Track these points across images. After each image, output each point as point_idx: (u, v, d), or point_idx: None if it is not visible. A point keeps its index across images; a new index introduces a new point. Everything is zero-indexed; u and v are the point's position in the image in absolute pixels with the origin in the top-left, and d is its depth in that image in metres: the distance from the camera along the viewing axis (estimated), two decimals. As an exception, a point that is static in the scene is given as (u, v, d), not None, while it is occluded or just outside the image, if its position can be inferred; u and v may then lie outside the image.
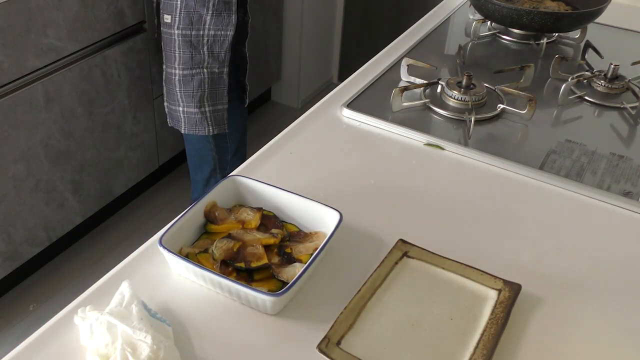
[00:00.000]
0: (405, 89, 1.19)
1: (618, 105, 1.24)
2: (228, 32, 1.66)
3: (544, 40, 1.44)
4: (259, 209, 0.87)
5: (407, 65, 1.31)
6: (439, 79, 1.25)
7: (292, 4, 3.00)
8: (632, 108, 1.22)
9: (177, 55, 1.78)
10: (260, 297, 0.73)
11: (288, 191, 0.85)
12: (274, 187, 0.87)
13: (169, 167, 2.66)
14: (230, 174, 0.90)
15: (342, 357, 0.69)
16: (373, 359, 0.70)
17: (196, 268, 0.76)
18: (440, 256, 0.82)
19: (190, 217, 0.84)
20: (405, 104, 1.19)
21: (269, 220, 0.86)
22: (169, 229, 0.81)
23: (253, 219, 0.85)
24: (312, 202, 0.83)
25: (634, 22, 1.60)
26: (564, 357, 0.73)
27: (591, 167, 1.05)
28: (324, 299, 0.78)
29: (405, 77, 1.30)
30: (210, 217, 0.86)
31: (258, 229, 0.84)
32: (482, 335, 0.72)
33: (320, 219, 0.83)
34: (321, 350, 0.69)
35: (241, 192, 0.89)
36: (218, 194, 0.87)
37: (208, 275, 0.76)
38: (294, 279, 0.74)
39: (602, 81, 1.28)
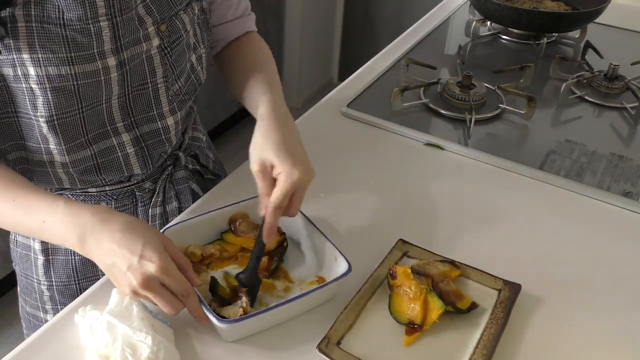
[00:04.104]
0: (405, 89, 1.19)
1: (618, 105, 1.24)
2: None
3: (544, 40, 1.44)
4: (282, 234, 0.83)
5: (407, 65, 1.31)
6: (439, 79, 1.25)
7: (292, 4, 3.00)
8: (632, 108, 1.22)
9: None
10: (213, 321, 0.69)
11: (314, 224, 0.81)
12: (302, 216, 0.83)
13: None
14: None
15: (342, 357, 0.69)
16: (373, 359, 0.70)
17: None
18: (440, 256, 0.82)
19: (212, 218, 0.82)
20: (405, 104, 1.19)
21: (280, 248, 0.82)
22: (178, 223, 0.81)
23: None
24: (329, 244, 0.78)
25: (634, 22, 1.60)
26: (564, 357, 0.73)
27: (591, 167, 1.05)
28: (324, 299, 0.78)
29: (405, 77, 1.30)
30: (234, 226, 0.84)
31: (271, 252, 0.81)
32: (482, 335, 0.72)
33: (331, 263, 0.78)
34: (321, 350, 0.69)
35: None
36: (252, 206, 0.84)
37: None
38: (254, 312, 0.71)
39: (602, 81, 1.28)
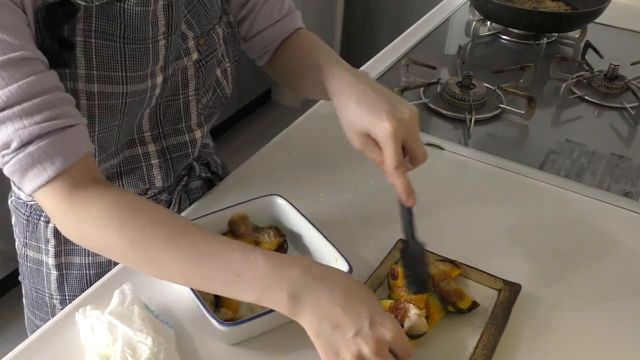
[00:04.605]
0: (405, 89, 1.19)
1: (618, 105, 1.24)
2: None
3: (544, 40, 1.44)
4: (282, 236, 0.83)
5: (407, 65, 1.31)
6: (439, 79, 1.25)
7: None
8: (632, 108, 1.22)
9: None
10: (213, 323, 0.69)
11: (314, 226, 0.81)
12: (303, 217, 0.83)
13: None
14: (272, 193, 0.86)
15: (342, 357, 0.69)
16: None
17: None
18: (440, 256, 0.82)
19: (212, 220, 0.82)
20: (405, 104, 1.18)
21: (280, 250, 0.82)
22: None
23: (268, 243, 0.81)
24: (330, 245, 0.78)
25: (634, 22, 1.60)
26: (564, 357, 0.73)
27: (591, 167, 1.05)
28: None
29: (405, 77, 1.30)
30: (233, 228, 0.83)
31: None
32: (482, 335, 0.72)
33: (331, 263, 0.78)
34: (321, 350, 0.69)
35: (276, 212, 0.86)
36: (252, 208, 0.84)
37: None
38: (254, 315, 0.70)
39: (602, 81, 1.28)
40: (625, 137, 1.16)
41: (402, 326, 0.70)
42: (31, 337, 0.73)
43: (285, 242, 0.83)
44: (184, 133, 0.86)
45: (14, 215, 0.93)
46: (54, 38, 0.66)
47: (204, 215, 0.83)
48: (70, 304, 0.77)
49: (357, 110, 0.74)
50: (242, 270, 0.62)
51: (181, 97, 0.83)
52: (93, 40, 0.69)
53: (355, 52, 3.39)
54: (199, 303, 0.71)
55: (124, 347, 0.66)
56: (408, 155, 0.74)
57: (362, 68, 1.34)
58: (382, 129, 0.70)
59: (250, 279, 0.62)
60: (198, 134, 0.88)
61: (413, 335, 0.69)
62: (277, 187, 0.88)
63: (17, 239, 0.95)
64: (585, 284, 0.83)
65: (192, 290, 0.71)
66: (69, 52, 0.67)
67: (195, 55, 0.81)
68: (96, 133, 0.74)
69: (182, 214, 0.92)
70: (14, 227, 0.95)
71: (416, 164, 0.74)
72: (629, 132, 1.18)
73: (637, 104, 1.22)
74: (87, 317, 0.71)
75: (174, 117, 0.84)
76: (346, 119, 0.76)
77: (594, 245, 0.90)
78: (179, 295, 0.78)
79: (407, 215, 0.73)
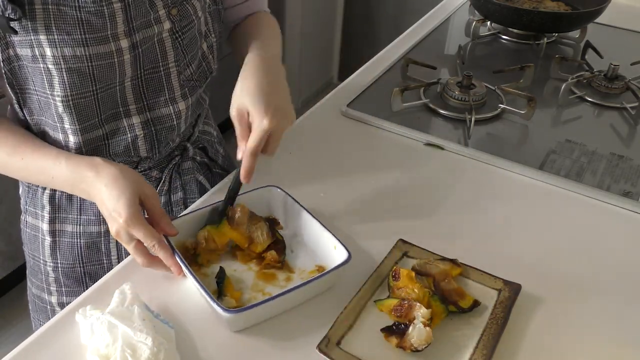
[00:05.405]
0: (405, 89, 1.19)
1: (618, 105, 1.24)
2: None
3: (544, 40, 1.44)
4: (273, 236, 0.83)
5: (407, 65, 1.31)
6: (439, 79, 1.25)
7: (292, 4, 3.00)
8: (632, 108, 1.22)
9: None
10: (218, 311, 0.70)
11: (313, 216, 0.83)
12: (302, 208, 0.84)
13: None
14: (270, 185, 0.88)
15: (342, 357, 0.69)
16: (373, 359, 0.70)
17: (177, 259, 0.75)
18: (440, 256, 0.82)
19: (206, 212, 0.84)
20: (405, 104, 1.19)
21: (277, 247, 0.82)
22: (180, 216, 0.82)
23: (261, 243, 0.82)
24: (329, 233, 0.80)
25: (634, 22, 1.60)
26: (564, 357, 0.73)
27: (591, 167, 1.05)
28: (324, 299, 0.78)
29: (405, 77, 1.30)
30: (230, 215, 0.83)
31: (263, 251, 0.82)
32: (482, 335, 0.72)
33: (330, 251, 0.80)
34: (321, 350, 0.69)
35: (274, 202, 0.87)
36: (251, 199, 0.85)
37: (185, 271, 0.75)
38: (258, 302, 0.71)
39: (602, 81, 1.28)
40: (625, 137, 1.16)
41: (408, 329, 0.70)
42: (31, 337, 0.73)
43: (279, 238, 0.83)
44: (167, 105, 0.89)
45: (20, 183, 0.99)
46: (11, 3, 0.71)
47: (193, 211, 0.84)
48: (71, 303, 0.77)
49: (252, 91, 0.81)
50: (55, 174, 0.81)
51: (162, 68, 0.87)
52: (50, 7, 0.74)
53: (355, 52, 3.39)
54: (203, 292, 0.71)
55: (124, 347, 0.66)
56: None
57: (362, 68, 1.34)
58: (261, 121, 0.79)
59: (60, 180, 0.81)
60: (182, 105, 0.91)
61: (418, 349, 0.70)
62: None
63: (21, 207, 1.00)
64: (585, 283, 0.83)
65: (196, 280, 0.72)
66: (19, 21, 0.73)
67: (167, 25, 0.84)
68: (70, 99, 0.79)
69: (191, 207, 0.92)
70: (20, 195, 1.00)
71: (264, 153, 0.82)
72: (629, 132, 1.18)
73: (637, 104, 1.22)
74: (87, 317, 0.71)
75: (156, 88, 0.88)
76: (240, 90, 0.82)
77: (594, 245, 0.90)
78: (179, 295, 0.78)
79: (237, 186, 0.83)
